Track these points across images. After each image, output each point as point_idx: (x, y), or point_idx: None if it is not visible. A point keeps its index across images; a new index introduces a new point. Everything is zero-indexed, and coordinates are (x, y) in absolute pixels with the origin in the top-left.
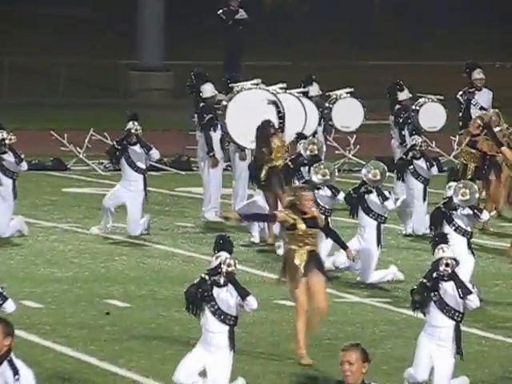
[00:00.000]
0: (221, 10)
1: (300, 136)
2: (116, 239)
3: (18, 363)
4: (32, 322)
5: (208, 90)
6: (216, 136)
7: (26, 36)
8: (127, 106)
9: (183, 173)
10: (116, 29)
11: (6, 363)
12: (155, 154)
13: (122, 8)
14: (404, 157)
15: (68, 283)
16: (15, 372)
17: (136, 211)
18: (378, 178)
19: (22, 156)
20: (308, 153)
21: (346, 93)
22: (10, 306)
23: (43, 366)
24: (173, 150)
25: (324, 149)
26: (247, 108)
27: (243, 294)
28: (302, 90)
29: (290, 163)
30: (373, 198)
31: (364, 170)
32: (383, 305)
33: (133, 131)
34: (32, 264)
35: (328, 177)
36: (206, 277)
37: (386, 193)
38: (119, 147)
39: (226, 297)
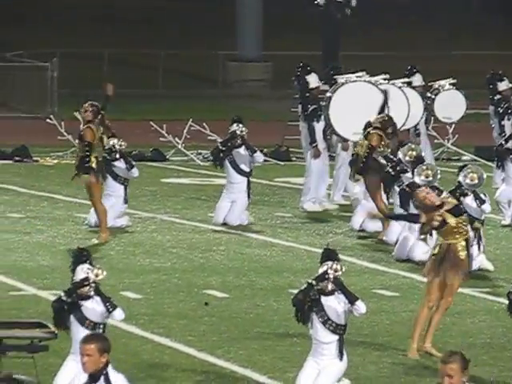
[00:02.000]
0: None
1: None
2: (214, 229)
3: (114, 376)
4: (131, 313)
5: (313, 80)
6: (319, 127)
7: (124, 29)
8: (225, 97)
9: (282, 163)
10: (213, 19)
11: (102, 379)
12: (259, 156)
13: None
14: (504, 144)
15: (167, 273)
16: None
17: (240, 209)
18: (476, 182)
19: (133, 163)
20: (407, 158)
21: (450, 84)
22: (118, 315)
23: (141, 356)
24: (272, 141)
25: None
26: (351, 100)
27: (351, 299)
28: (405, 80)
29: (390, 170)
30: (469, 201)
31: (461, 174)
32: (482, 294)
33: (238, 132)
34: (131, 254)
35: (431, 178)
36: (314, 282)
37: (482, 195)
38: (223, 148)
39: (334, 304)
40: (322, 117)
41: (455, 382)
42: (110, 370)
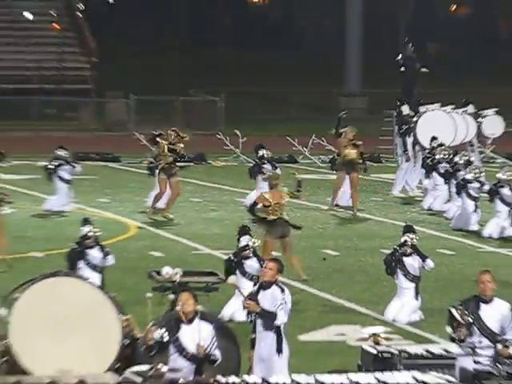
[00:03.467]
0: (400, 56)
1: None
2: (330, 208)
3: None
4: None
5: (405, 109)
6: (409, 140)
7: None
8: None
9: (375, 164)
10: (329, 64)
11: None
12: None
13: (333, 48)
14: None
15: (297, 239)
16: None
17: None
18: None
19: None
20: (461, 161)
21: (493, 111)
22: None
23: None
24: (369, 150)
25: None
26: (430, 123)
27: (423, 257)
28: (464, 108)
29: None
30: (410, 261)
31: (500, 172)
32: None
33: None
34: None
35: (478, 174)
36: (397, 247)
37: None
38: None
39: (411, 262)
40: (411, 134)
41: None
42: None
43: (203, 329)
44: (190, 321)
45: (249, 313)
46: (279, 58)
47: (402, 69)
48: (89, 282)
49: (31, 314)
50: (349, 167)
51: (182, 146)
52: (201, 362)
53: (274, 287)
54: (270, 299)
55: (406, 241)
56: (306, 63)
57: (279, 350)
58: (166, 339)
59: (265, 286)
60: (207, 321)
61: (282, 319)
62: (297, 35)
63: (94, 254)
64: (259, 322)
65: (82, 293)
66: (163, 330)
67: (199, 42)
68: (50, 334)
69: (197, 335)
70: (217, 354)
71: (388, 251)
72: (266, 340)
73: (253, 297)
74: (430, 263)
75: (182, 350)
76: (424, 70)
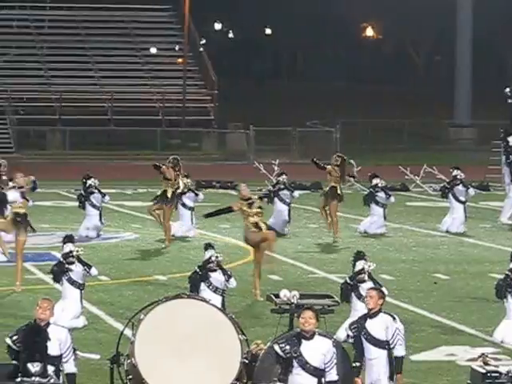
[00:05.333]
0: (508, 89)
1: None
2: (440, 235)
3: None
4: (387, 288)
5: (511, 140)
6: None
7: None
8: (447, 150)
9: (484, 192)
10: (438, 99)
11: None
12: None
13: (443, 81)
14: None
15: (409, 263)
16: None
17: (458, 222)
18: None
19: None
20: None
21: None
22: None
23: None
24: (477, 178)
25: None
26: None
27: None
28: None
29: None
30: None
31: None
32: None
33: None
34: (386, 250)
35: None
36: (509, 273)
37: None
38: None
39: None
40: None
41: None
42: None
43: (325, 344)
44: (311, 337)
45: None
46: (391, 89)
47: (510, 101)
48: (211, 303)
49: (155, 334)
50: None
51: None
52: (321, 376)
53: (382, 314)
54: (379, 326)
55: None
56: (417, 94)
57: (391, 378)
58: (288, 354)
59: (371, 314)
60: (327, 337)
61: (401, 352)
62: (409, 68)
63: (216, 277)
64: (373, 349)
65: (204, 314)
66: (285, 345)
67: (314, 75)
68: (173, 354)
69: (318, 350)
70: (334, 371)
71: (496, 276)
72: (378, 366)
73: (360, 325)
74: None
75: (304, 364)
76: None
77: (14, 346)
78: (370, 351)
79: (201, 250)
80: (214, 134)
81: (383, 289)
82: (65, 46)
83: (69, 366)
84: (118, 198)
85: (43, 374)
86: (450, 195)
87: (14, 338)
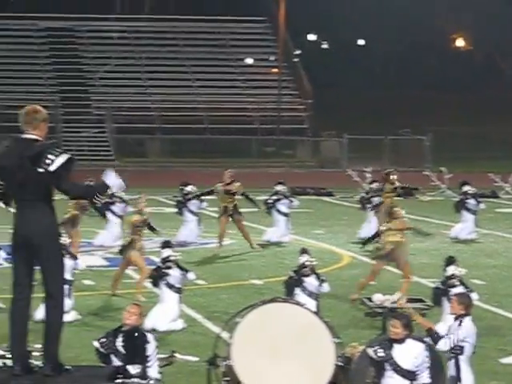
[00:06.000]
0: None
1: None
2: None
3: None
4: (478, 292)
5: None
6: None
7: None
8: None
9: None
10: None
11: None
12: None
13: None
14: None
15: (500, 268)
16: None
17: None
18: None
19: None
20: None
21: None
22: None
23: (483, 319)
24: None
25: None
26: None
27: None
28: None
29: None
30: (310, 280)
31: None
32: None
33: None
34: (477, 256)
35: None
36: None
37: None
38: None
39: None
40: None
41: None
42: None
43: (416, 347)
44: (402, 341)
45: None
46: (482, 98)
47: None
48: (305, 307)
49: (251, 337)
50: None
51: None
52: (413, 379)
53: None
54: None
55: None
56: (507, 104)
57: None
58: (380, 357)
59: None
60: (419, 341)
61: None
62: (496, 77)
63: (311, 281)
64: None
65: (298, 317)
66: (378, 348)
67: (405, 83)
68: (268, 356)
69: (409, 353)
70: (426, 374)
71: None
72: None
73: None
74: None
75: (396, 367)
76: None
77: (101, 349)
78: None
79: (295, 255)
80: (308, 142)
81: (473, 294)
82: (163, 57)
83: (152, 371)
84: (214, 205)
85: (143, 376)
86: None
87: (102, 340)
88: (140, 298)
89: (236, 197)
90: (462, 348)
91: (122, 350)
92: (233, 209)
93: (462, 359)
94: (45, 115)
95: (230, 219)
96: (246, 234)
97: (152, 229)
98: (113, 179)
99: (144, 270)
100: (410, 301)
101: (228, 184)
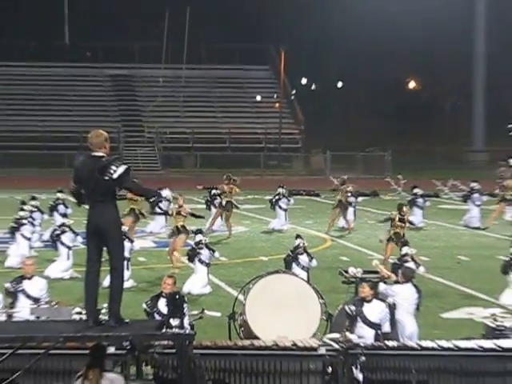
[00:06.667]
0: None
1: None
2: None
3: None
4: None
5: None
6: None
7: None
8: (468, 169)
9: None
10: (456, 128)
11: None
12: None
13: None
14: None
15: None
16: None
17: None
18: None
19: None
20: None
21: None
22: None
23: None
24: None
25: None
26: None
27: None
28: None
29: None
30: (303, 257)
31: None
32: None
33: None
34: (423, 241)
35: None
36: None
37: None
38: None
39: None
40: None
41: None
42: None
43: (380, 305)
44: (370, 301)
45: None
46: (429, 126)
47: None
48: (299, 277)
49: (259, 298)
50: None
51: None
52: (378, 329)
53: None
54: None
55: None
56: (447, 130)
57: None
58: (354, 312)
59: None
60: (382, 301)
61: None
62: (441, 111)
63: (303, 258)
64: None
65: (294, 284)
66: (352, 306)
67: (373, 114)
68: (272, 312)
69: (375, 310)
70: (387, 325)
71: (502, 257)
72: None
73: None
74: None
75: (365, 320)
76: None
77: (147, 309)
78: None
79: (292, 239)
80: (301, 156)
81: (421, 267)
82: (195, 95)
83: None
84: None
85: (181, 326)
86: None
87: (148, 302)
88: (175, 271)
89: (235, 197)
90: (394, 305)
91: (164, 308)
92: (227, 204)
93: (403, 313)
94: (106, 136)
95: (228, 212)
96: (229, 225)
97: (197, 216)
98: (166, 192)
99: (178, 249)
100: (370, 272)
101: (227, 184)
